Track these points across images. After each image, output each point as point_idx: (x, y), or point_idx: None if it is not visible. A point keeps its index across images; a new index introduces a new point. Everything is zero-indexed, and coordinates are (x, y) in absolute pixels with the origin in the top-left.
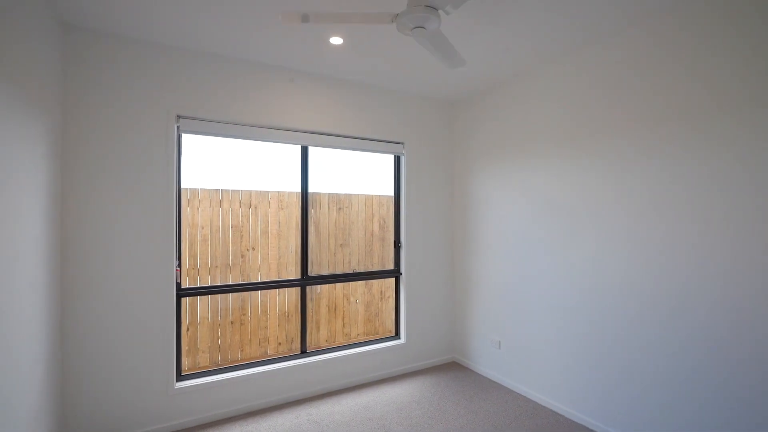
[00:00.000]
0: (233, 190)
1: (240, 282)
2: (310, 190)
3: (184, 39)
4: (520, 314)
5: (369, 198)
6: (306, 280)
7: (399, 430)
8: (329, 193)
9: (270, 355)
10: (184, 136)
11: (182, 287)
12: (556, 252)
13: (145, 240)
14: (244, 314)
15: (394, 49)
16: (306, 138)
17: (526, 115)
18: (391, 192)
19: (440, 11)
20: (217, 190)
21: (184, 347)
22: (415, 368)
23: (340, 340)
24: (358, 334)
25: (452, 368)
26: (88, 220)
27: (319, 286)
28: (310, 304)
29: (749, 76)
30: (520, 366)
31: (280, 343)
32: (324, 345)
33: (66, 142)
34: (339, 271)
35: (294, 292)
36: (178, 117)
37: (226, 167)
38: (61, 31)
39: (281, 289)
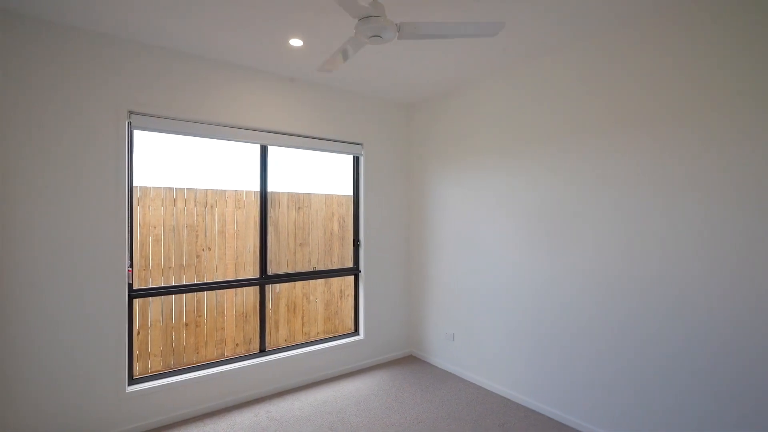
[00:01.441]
0: (188, 189)
1: (195, 282)
2: (270, 189)
3: (138, 33)
4: (472, 308)
5: (329, 197)
6: (265, 279)
7: (357, 421)
8: (289, 193)
9: (227, 357)
10: (136, 132)
11: (134, 288)
12: (504, 248)
13: (95, 240)
14: (200, 316)
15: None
16: (265, 137)
17: (479, 118)
18: (350, 191)
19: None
20: (171, 189)
21: (136, 351)
22: (374, 363)
23: (300, 340)
24: (318, 333)
25: (410, 362)
26: (34, 220)
27: (278, 286)
28: (269, 304)
29: (696, 81)
30: (473, 357)
31: (237, 344)
32: (283, 344)
33: (4, 140)
34: (299, 270)
35: (252, 292)
36: (130, 113)
37: (182, 165)
38: None
39: (239, 290)
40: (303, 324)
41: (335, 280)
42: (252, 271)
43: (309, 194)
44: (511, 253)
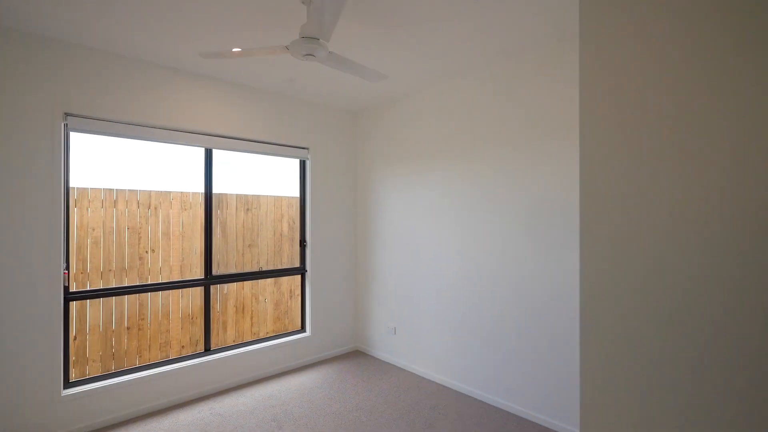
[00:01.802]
0: (130, 190)
1: (137, 284)
2: (217, 191)
3: (74, 34)
4: (410, 302)
5: (278, 199)
6: (210, 280)
7: (299, 412)
8: (237, 194)
9: (171, 358)
10: (74, 134)
11: (70, 291)
12: (436, 247)
13: (28, 242)
14: (143, 319)
15: (296, 62)
16: (210, 141)
17: (418, 126)
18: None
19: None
20: (111, 190)
21: (72, 356)
22: (320, 358)
23: (249, 339)
24: (267, 333)
25: (355, 356)
26: None
27: (226, 286)
28: (217, 305)
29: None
30: (411, 348)
31: (183, 347)
32: (231, 344)
33: None
34: (247, 270)
35: (198, 294)
36: (66, 114)
37: (123, 166)
38: None
39: (185, 291)
40: (252, 324)
41: (285, 280)
42: (198, 273)
43: (258, 196)
44: (440, 253)
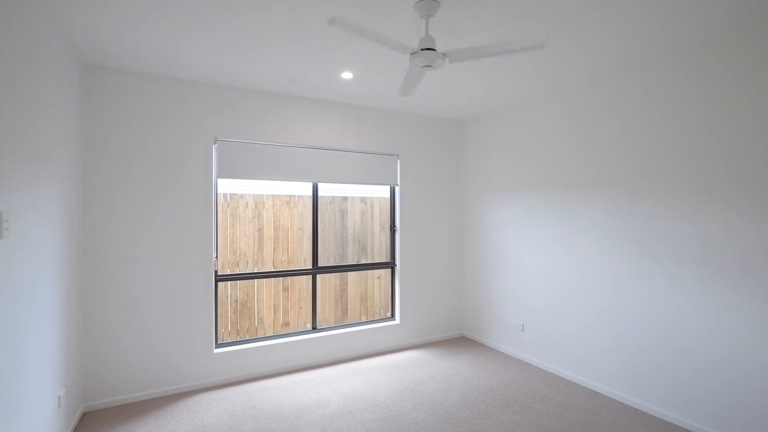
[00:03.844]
0: (257, 195)
1: (264, 270)
2: (327, 193)
3: (220, 77)
4: (546, 299)
5: (383, 200)
6: (316, 270)
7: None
8: (352, 197)
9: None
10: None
11: (219, 274)
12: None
13: (191, 235)
14: (270, 299)
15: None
16: (317, 175)
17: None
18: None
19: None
20: (242, 195)
21: (219, 325)
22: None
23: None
24: (379, 315)
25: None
26: (155, 226)
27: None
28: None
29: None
30: (545, 344)
31: (297, 324)
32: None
33: (128, 172)
34: (348, 263)
35: (307, 281)
36: (216, 139)
37: (255, 179)
38: (81, 70)
39: (300, 278)
40: (369, 309)
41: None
42: (308, 263)
43: (367, 198)
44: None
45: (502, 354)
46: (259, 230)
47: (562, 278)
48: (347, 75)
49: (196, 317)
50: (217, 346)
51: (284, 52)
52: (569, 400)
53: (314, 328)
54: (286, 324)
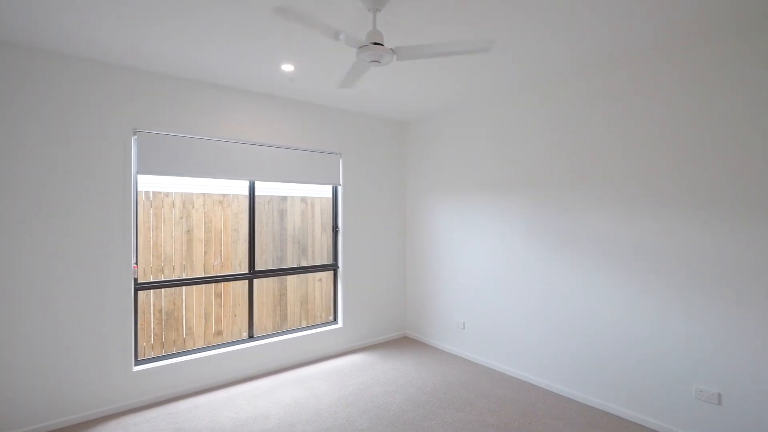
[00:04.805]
0: (186, 193)
1: (192, 276)
2: (263, 192)
3: (151, 63)
4: (486, 297)
5: (325, 200)
6: (253, 274)
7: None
8: (291, 197)
9: (220, 342)
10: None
11: (139, 282)
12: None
13: (106, 239)
14: (198, 307)
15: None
16: (254, 173)
17: (462, 142)
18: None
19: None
20: (169, 194)
21: (139, 339)
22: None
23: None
24: (321, 320)
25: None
26: (56, 228)
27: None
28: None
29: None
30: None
31: (230, 334)
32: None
33: (34, 165)
34: (287, 266)
35: (243, 286)
36: (135, 130)
37: (184, 176)
38: None
39: (233, 283)
40: (309, 313)
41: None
42: (244, 268)
43: (306, 198)
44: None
45: (445, 352)
46: (188, 232)
47: (500, 276)
48: (288, 67)
49: (110, 332)
50: (138, 362)
51: (216, 38)
52: (508, 394)
53: (251, 337)
54: (219, 333)
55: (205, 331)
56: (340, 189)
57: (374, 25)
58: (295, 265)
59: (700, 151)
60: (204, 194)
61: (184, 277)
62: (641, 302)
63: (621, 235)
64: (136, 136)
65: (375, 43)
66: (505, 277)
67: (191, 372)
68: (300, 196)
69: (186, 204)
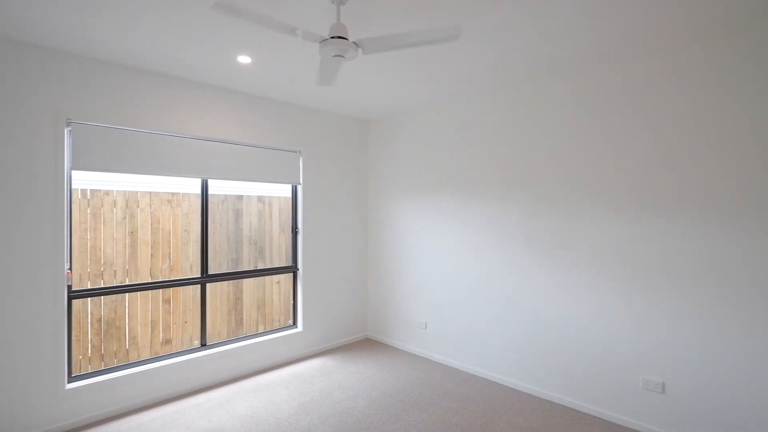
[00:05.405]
0: (130, 191)
1: (136, 282)
2: (216, 192)
3: (90, 47)
4: (447, 297)
5: (285, 200)
6: (206, 278)
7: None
8: (247, 196)
9: (171, 352)
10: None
11: (73, 289)
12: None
13: (35, 242)
14: (142, 316)
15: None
16: (208, 170)
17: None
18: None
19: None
20: (110, 192)
21: (75, 352)
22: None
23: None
24: (279, 325)
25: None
26: None
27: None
28: (216, 302)
29: None
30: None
31: (181, 342)
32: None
33: None
34: (244, 269)
35: (195, 292)
36: (68, 121)
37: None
38: None
39: (183, 288)
40: (266, 317)
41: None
42: (195, 272)
43: (264, 197)
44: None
45: (407, 353)
46: (132, 234)
47: (461, 276)
48: (245, 59)
49: (39, 346)
50: (72, 379)
51: (162, 22)
52: (470, 393)
53: (204, 345)
54: (168, 342)
55: (151, 341)
56: (299, 188)
57: (338, 18)
58: (252, 268)
59: (644, 157)
60: (150, 193)
61: (127, 283)
62: (594, 301)
63: (575, 236)
64: (70, 128)
65: (339, 37)
66: (466, 277)
67: (135, 386)
68: (257, 195)
69: (130, 203)
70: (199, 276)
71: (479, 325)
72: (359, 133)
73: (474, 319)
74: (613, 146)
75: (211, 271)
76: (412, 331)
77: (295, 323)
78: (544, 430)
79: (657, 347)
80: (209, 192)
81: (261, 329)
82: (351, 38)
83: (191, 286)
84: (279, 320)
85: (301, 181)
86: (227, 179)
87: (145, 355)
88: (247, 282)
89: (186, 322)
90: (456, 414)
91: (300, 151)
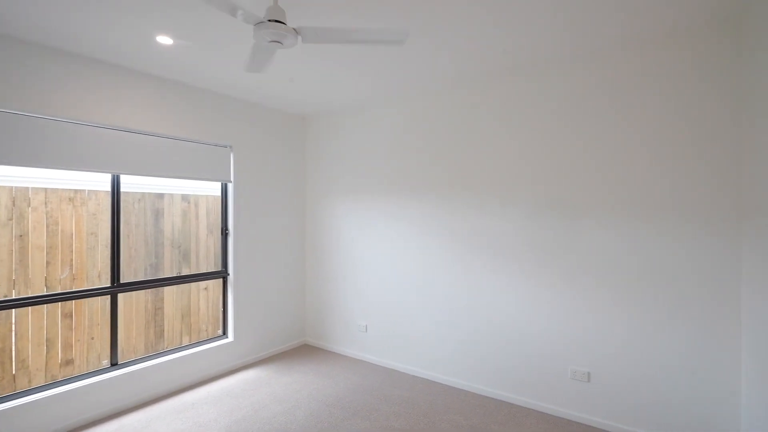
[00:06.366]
0: (19, 188)
1: (32, 295)
2: (129, 189)
3: None
4: (387, 298)
5: (214, 199)
6: (117, 288)
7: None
8: (170, 194)
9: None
10: None
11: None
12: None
13: None
14: (36, 333)
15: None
16: (120, 164)
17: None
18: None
19: (299, 36)
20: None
21: None
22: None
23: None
24: (208, 335)
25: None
26: None
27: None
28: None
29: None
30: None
31: (88, 362)
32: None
33: None
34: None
35: (104, 303)
36: None
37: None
38: None
39: (89, 300)
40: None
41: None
42: (105, 280)
43: (189, 195)
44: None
45: (347, 358)
46: (21, 237)
47: (400, 277)
48: (165, 40)
49: None
50: None
51: None
52: (412, 395)
53: (114, 364)
54: (69, 363)
55: (47, 363)
56: (230, 186)
57: (275, 1)
58: (175, 274)
59: (578, 160)
60: (46, 189)
61: (14, 297)
62: (528, 299)
63: (507, 236)
64: None
65: (276, 21)
66: (407, 277)
67: (24, 418)
68: (181, 193)
69: (18, 201)
70: (109, 285)
71: (417, 324)
72: (298, 129)
73: (412, 319)
74: (543, 148)
75: (125, 279)
76: (352, 335)
77: (225, 333)
78: (484, 426)
79: (584, 339)
80: (121, 189)
81: (186, 341)
82: (290, 25)
83: (99, 298)
84: (207, 330)
85: (232, 179)
86: (145, 175)
87: (39, 381)
88: (169, 290)
89: (93, 338)
90: (398, 418)
91: (231, 147)
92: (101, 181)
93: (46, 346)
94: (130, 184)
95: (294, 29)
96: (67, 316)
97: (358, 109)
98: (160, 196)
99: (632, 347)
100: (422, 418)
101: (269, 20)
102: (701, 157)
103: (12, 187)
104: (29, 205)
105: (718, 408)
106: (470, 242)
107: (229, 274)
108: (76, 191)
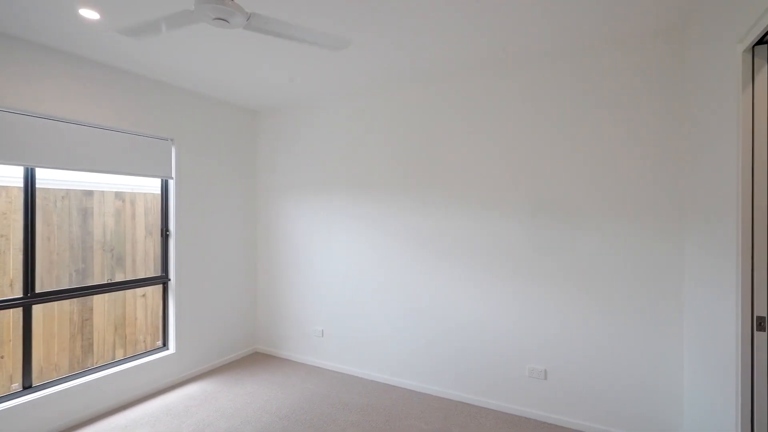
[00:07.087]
0: None
1: None
2: (46, 185)
3: None
4: (344, 302)
5: (154, 197)
6: (32, 299)
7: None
8: (101, 191)
9: None
10: None
11: None
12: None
13: None
14: None
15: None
16: (35, 156)
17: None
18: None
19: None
20: None
21: None
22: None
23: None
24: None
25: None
26: None
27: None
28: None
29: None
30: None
31: None
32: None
33: None
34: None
35: (15, 316)
36: None
37: None
38: None
39: None
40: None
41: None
42: (16, 290)
43: (124, 192)
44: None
45: (302, 365)
46: None
47: (358, 279)
48: (90, 14)
49: None
50: None
51: None
52: (370, 401)
53: (28, 387)
54: None
55: None
56: (172, 183)
57: None
58: (107, 281)
59: (538, 160)
60: None
61: None
62: (487, 299)
63: (465, 236)
64: None
65: None
66: (364, 279)
67: None
68: (114, 190)
69: None
70: (21, 297)
71: (374, 327)
72: (248, 123)
73: (369, 322)
74: (497, 148)
75: (42, 288)
76: (307, 341)
77: (165, 344)
78: (446, 429)
79: (541, 338)
80: (37, 185)
81: (120, 355)
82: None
83: (9, 311)
84: (145, 342)
85: (173, 175)
86: (68, 169)
87: None
88: (99, 298)
89: (2, 357)
90: (356, 427)
91: (172, 140)
92: (13, 176)
93: None
94: (51, 180)
95: (247, 12)
96: None
97: (315, 102)
98: (89, 193)
99: (586, 344)
100: (381, 425)
101: None
102: (646, 159)
103: None
104: None
105: (663, 398)
106: (431, 244)
107: (170, 279)
108: None
